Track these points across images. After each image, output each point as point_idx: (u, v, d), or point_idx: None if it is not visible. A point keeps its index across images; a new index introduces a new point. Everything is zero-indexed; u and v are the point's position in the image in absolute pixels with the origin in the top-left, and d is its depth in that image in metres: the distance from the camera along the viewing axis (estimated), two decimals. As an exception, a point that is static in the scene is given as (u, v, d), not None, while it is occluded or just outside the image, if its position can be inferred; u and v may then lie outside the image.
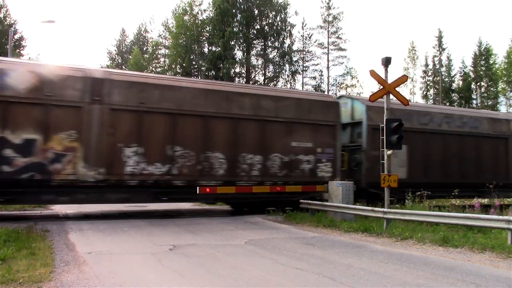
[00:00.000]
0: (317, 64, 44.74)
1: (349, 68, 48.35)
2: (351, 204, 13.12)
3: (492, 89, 48.32)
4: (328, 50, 44.26)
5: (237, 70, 38.52)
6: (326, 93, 38.92)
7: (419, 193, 14.40)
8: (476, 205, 12.54)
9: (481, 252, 8.47)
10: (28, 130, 11.50)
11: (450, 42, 69.15)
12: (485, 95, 48.92)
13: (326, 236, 10.56)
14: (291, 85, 40.26)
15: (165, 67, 46.78)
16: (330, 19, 44.44)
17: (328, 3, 44.47)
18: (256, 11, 38.77)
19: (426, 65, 48.89)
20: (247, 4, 38.21)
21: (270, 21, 39.24)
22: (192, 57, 40.22)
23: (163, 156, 13.00)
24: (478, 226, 9.76)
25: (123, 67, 53.09)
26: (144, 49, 54.39)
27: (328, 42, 44.26)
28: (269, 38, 39.16)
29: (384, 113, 11.89)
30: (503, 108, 46.93)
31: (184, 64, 39.46)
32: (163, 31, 48.89)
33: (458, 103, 46.86)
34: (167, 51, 48.66)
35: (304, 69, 44.01)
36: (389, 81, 11.90)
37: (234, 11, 37.45)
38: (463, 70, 49.33)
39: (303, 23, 45.01)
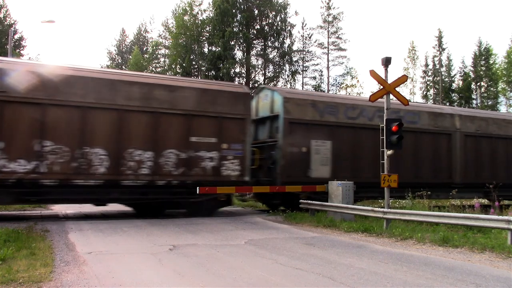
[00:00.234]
0: (317, 64, 44.82)
1: (349, 68, 48.50)
2: (351, 204, 13.11)
3: (492, 89, 48.33)
4: (328, 50, 44.32)
5: (237, 70, 38.52)
6: (327, 92, 38.87)
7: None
8: (476, 205, 12.56)
9: (481, 252, 8.47)
10: None
11: (450, 42, 69.25)
12: (485, 95, 48.92)
13: (326, 236, 10.56)
14: (291, 85, 40.25)
15: (165, 67, 46.81)
16: (330, 19, 44.50)
17: (328, 3, 44.51)
18: (256, 11, 38.76)
19: (426, 65, 48.93)
20: (247, 4, 38.21)
21: (270, 21, 39.23)
22: (192, 57, 40.22)
23: (28, 152, 11.62)
24: (478, 226, 9.75)
25: (123, 67, 53.11)
26: (144, 49, 54.43)
27: (328, 42, 44.31)
28: (269, 38, 39.15)
29: (385, 113, 11.89)
30: (503, 108, 47.00)
31: (184, 64, 39.45)
32: (163, 31, 48.98)
33: (458, 103, 46.86)
34: (167, 51, 48.70)
35: (304, 69, 44.05)
36: (389, 81, 11.90)
37: (234, 11, 37.44)
38: (463, 70, 49.38)
39: (303, 23, 45.07)
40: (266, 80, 40.04)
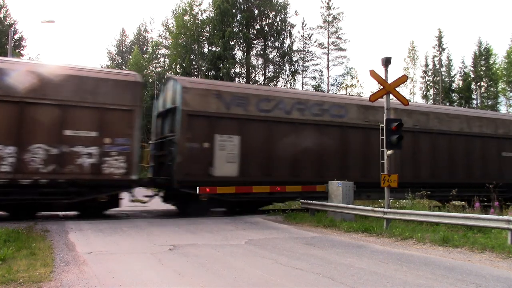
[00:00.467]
0: (317, 64, 44.90)
1: (349, 68, 48.58)
2: (351, 204, 13.10)
3: (492, 89, 48.38)
4: (328, 50, 44.39)
5: (237, 70, 38.57)
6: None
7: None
8: (476, 205, 12.54)
9: (481, 252, 8.47)
10: None
11: (450, 42, 69.36)
12: (485, 95, 48.96)
13: (326, 236, 10.56)
14: (291, 85, 40.28)
15: (165, 67, 46.85)
16: (330, 19, 44.56)
17: (328, 3, 44.55)
18: (256, 11, 38.82)
19: (426, 65, 48.99)
20: (247, 4, 38.25)
21: (270, 21, 39.30)
22: (192, 57, 40.27)
23: None
24: (478, 226, 9.75)
25: (123, 67, 53.11)
26: (144, 49, 54.45)
27: (328, 42, 44.38)
28: (269, 38, 39.21)
29: (385, 113, 11.88)
30: (503, 108, 47.01)
31: (184, 64, 39.48)
32: (163, 31, 49.10)
33: (458, 103, 46.89)
34: (167, 51, 48.72)
35: (304, 69, 44.13)
36: (389, 81, 11.89)
37: (234, 11, 37.49)
38: (463, 70, 49.44)
39: (303, 23, 45.15)
40: (266, 80, 40.07)
